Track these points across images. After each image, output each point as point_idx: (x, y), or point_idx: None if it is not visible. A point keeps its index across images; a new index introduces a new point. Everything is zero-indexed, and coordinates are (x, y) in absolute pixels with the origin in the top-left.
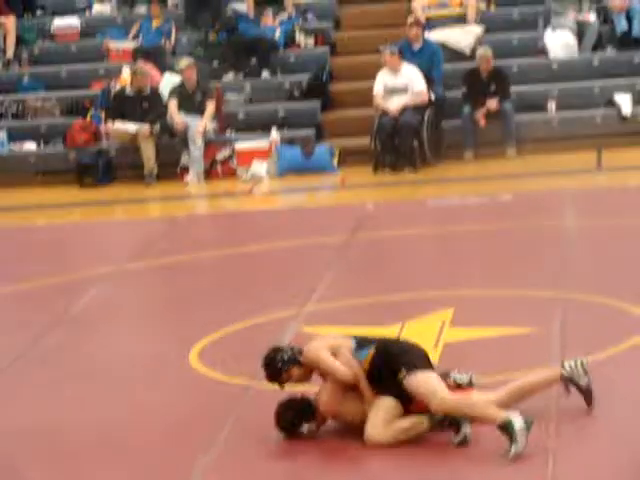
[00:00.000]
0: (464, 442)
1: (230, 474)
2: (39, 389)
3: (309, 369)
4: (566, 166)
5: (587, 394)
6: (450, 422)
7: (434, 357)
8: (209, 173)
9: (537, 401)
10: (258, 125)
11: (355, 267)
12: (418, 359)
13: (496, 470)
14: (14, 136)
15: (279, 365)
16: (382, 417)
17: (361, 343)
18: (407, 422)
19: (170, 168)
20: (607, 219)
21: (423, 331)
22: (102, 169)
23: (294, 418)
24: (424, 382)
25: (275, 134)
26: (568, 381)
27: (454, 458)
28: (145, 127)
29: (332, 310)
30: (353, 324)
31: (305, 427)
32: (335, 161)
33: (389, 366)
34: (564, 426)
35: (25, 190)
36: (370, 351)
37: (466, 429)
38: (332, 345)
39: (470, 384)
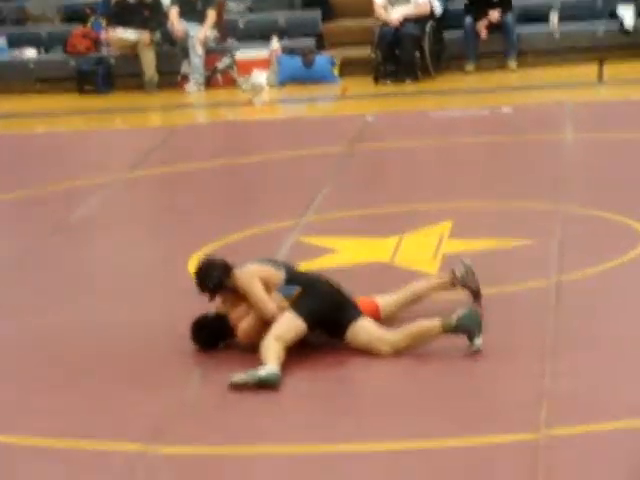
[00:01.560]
0: (478, 350)
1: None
2: (37, 295)
3: (240, 293)
4: (567, 79)
5: (477, 294)
6: (462, 331)
7: (433, 268)
8: (209, 82)
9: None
10: (258, 34)
11: (354, 178)
12: (347, 306)
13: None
14: (14, 43)
15: (210, 286)
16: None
17: (290, 279)
18: (417, 326)
19: (170, 76)
20: (608, 132)
21: (422, 243)
22: (102, 77)
23: (209, 337)
24: (363, 333)
25: (276, 43)
26: (460, 284)
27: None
28: (146, 35)
29: (330, 221)
30: (351, 235)
31: (222, 344)
32: (336, 71)
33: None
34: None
35: (24, 97)
36: (296, 291)
37: (478, 340)
38: (265, 276)
39: None
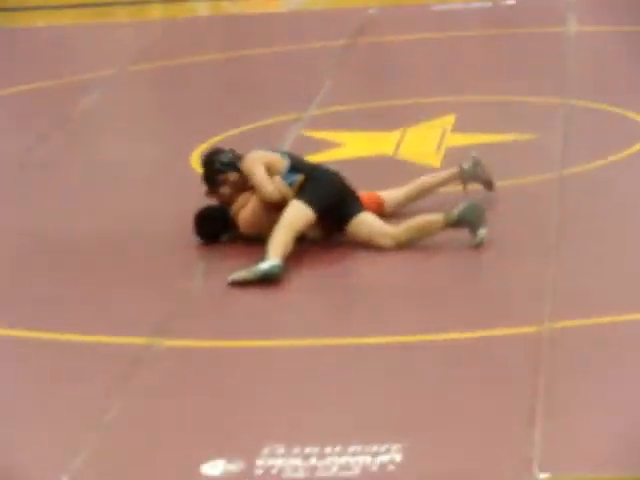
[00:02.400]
0: (481, 243)
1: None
2: (39, 192)
3: (245, 178)
4: None
5: (488, 184)
6: (466, 222)
7: (436, 161)
8: None
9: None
10: None
11: (357, 72)
12: (349, 199)
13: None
14: None
15: (217, 166)
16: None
17: (294, 167)
18: (421, 220)
19: None
20: (611, 25)
21: (425, 136)
22: None
23: (211, 228)
24: (365, 226)
25: None
26: (468, 177)
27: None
28: None
29: (333, 115)
30: (354, 129)
31: (225, 236)
32: None
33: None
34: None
35: None
36: (299, 179)
37: (482, 231)
38: (268, 162)
39: None
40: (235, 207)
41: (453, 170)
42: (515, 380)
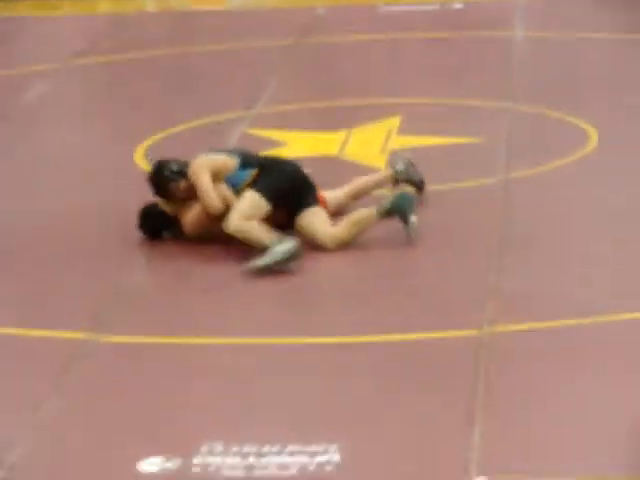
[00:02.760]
0: (415, 231)
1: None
2: None
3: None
4: None
5: (421, 186)
6: (396, 212)
7: (380, 162)
8: None
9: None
10: None
11: (303, 71)
12: (305, 189)
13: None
14: None
15: (167, 174)
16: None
17: (245, 162)
18: (356, 215)
19: None
20: (558, 30)
21: (370, 137)
22: None
23: (155, 224)
24: (310, 224)
25: None
26: (402, 178)
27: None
28: None
29: (278, 113)
30: (300, 129)
31: (167, 233)
32: None
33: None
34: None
35: None
36: (253, 171)
37: (413, 218)
38: (216, 165)
39: None
40: (181, 210)
41: (387, 172)
42: (454, 382)
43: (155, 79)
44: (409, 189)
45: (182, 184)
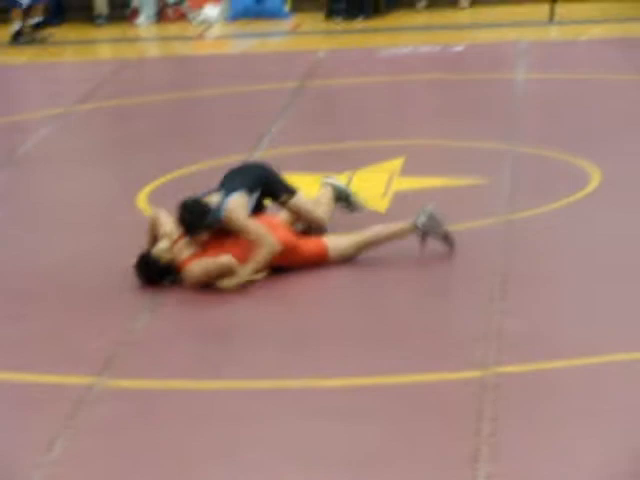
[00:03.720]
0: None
1: (184, 311)
2: None
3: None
4: (519, 18)
5: (447, 239)
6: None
7: (383, 206)
8: (160, 16)
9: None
10: None
11: (306, 114)
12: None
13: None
14: None
15: (207, 220)
16: (336, 242)
17: (229, 188)
18: (366, 234)
19: (121, 10)
20: (559, 72)
21: (373, 180)
22: (53, 9)
23: (153, 273)
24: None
25: None
26: (426, 231)
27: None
28: None
29: (282, 156)
30: (302, 171)
31: (166, 280)
32: (287, 7)
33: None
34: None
35: None
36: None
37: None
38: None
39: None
40: (181, 256)
41: (407, 224)
42: (459, 423)
43: (158, 123)
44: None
45: (205, 235)
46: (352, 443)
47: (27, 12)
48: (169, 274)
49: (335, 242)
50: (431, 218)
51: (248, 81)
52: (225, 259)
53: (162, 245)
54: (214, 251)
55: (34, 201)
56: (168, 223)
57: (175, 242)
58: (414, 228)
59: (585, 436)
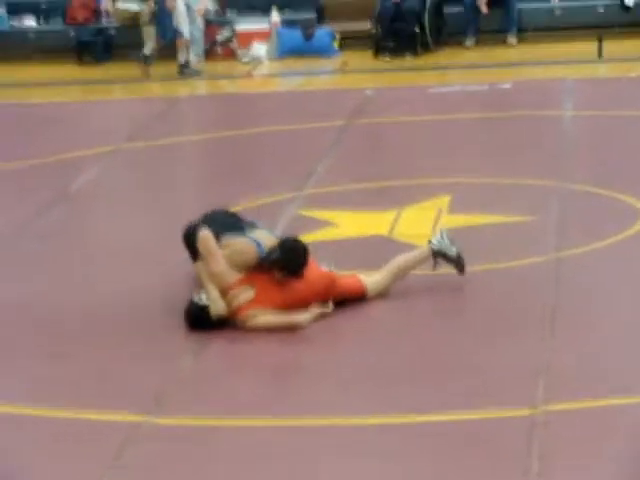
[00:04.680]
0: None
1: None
2: (36, 266)
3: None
4: (567, 55)
5: (458, 262)
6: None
7: None
8: (209, 54)
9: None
10: (259, 6)
11: (353, 152)
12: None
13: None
14: (13, 11)
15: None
16: (372, 279)
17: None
18: (393, 265)
19: (170, 48)
20: (607, 110)
21: (420, 217)
22: (102, 47)
23: (206, 327)
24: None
25: (276, 16)
26: (438, 254)
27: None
28: (147, 6)
29: (329, 194)
30: (350, 209)
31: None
32: (336, 44)
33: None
34: (561, 314)
35: (23, 67)
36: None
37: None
38: None
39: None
40: (234, 303)
41: (426, 248)
42: (508, 462)
43: (207, 161)
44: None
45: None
46: None
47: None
48: (221, 324)
49: (371, 278)
50: (444, 237)
51: (296, 119)
52: (303, 319)
53: (214, 299)
54: (269, 294)
55: (85, 236)
56: (218, 262)
57: (230, 288)
58: (429, 247)
59: (632, 478)
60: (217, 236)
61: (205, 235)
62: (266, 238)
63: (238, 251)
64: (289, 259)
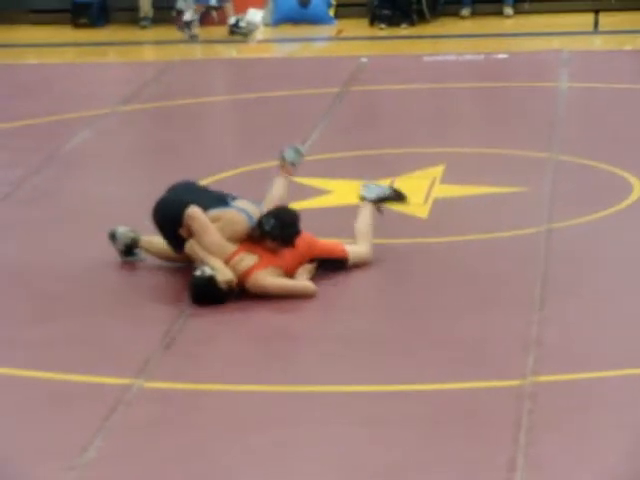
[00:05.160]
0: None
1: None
2: (23, 228)
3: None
4: (563, 27)
5: (397, 196)
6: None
7: (424, 212)
8: (204, 19)
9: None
10: None
11: (347, 120)
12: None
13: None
14: None
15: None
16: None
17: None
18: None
19: (165, 11)
20: (602, 82)
21: (413, 186)
22: (97, 10)
23: (218, 300)
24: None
25: None
26: (377, 201)
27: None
28: None
29: (323, 162)
30: (344, 177)
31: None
32: (331, 12)
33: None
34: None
35: (18, 28)
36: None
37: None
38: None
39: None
40: (239, 269)
41: (364, 206)
42: (496, 433)
43: (201, 125)
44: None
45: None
46: (388, 449)
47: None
48: (232, 293)
49: (351, 247)
50: (366, 187)
51: (290, 85)
52: (310, 286)
53: (219, 268)
54: (270, 258)
55: (77, 199)
56: (215, 235)
57: (230, 258)
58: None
59: (619, 448)
60: (204, 210)
61: (195, 211)
62: (251, 208)
63: (229, 222)
64: (284, 229)
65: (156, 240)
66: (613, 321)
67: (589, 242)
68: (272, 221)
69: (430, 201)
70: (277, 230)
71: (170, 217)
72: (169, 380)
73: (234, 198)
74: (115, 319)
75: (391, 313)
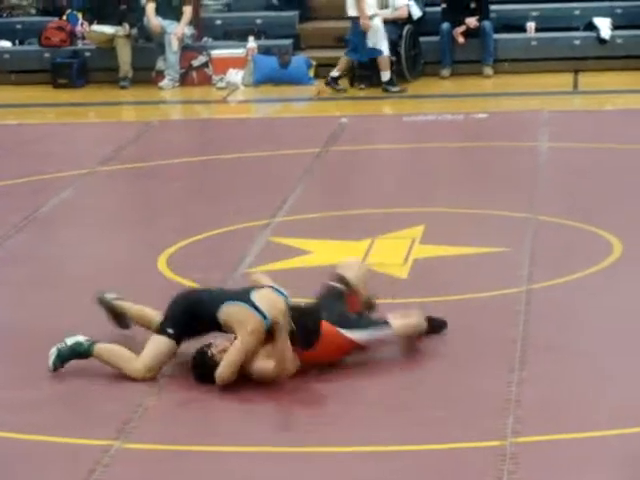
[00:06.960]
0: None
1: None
2: (3, 287)
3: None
4: (543, 87)
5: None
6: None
7: (403, 273)
8: (184, 79)
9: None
10: (235, 33)
11: (328, 180)
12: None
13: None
14: None
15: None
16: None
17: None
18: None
19: (145, 72)
20: (582, 142)
21: (393, 247)
22: (77, 70)
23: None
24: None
25: (252, 43)
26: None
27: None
28: (122, 30)
29: (303, 222)
30: (323, 237)
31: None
32: (311, 73)
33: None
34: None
35: None
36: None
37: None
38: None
39: None
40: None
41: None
42: None
43: (180, 186)
44: None
45: None
46: None
47: None
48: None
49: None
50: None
51: (270, 146)
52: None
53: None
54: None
55: (55, 262)
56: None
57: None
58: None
59: None
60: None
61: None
62: (263, 298)
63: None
64: (307, 336)
65: (148, 312)
66: (593, 381)
67: (569, 303)
68: (294, 327)
69: (410, 261)
70: (300, 336)
71: (202, 311)
72: (148, 442)
73: (248, 290)
74: (94, 380)
75: (371, 376)
